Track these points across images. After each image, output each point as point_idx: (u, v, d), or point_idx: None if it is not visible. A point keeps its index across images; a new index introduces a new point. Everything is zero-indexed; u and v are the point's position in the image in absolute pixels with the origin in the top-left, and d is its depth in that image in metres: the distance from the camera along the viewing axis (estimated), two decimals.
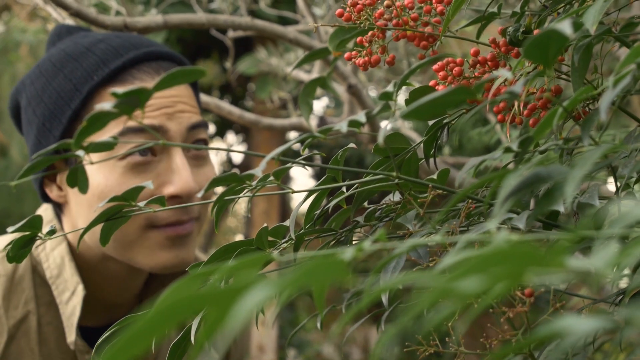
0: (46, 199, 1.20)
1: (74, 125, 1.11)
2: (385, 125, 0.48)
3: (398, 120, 1.99)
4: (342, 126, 0.54)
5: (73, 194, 1.15)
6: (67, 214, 1.20)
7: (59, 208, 1.22)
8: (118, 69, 1.11)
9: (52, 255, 1.17)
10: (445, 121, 0.81)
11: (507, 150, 0.59)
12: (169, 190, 1.10)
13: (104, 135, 1.08)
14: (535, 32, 0.76)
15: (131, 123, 1.07)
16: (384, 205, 0.81)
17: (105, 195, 1.11)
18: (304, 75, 1.88)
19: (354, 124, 0.54)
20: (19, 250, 0.65)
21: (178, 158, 1.11)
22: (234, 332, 0.24)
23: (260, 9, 2.33)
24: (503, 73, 0.50)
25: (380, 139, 0.47)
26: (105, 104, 0.50)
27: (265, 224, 0.75)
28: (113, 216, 0.64)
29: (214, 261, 0.78)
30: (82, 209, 1.13)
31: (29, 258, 1.17)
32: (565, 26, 0.45)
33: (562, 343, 0.43)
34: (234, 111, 1.65)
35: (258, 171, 0.60)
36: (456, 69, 0.79)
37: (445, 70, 0.80)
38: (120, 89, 1.10)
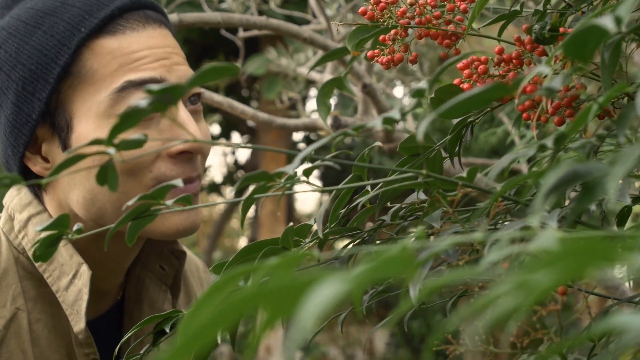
0: (25, 175, 1.06)
1: (63, 85, 1.00)
2: (424, 121, 0.47)
3: (408, 121, 1.98)
4: (377, 123, 0.53)
5: None
6: (52, 190, 1.07)
7: (38, 185, 1.08)
8: (107, 18, 1.01)
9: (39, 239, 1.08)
10: (469, 119, 0.81)
11: (542, 147, 0.58)
12: (177, 146, 1.01)
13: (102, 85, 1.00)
14: (562, 29, 0.76)
15: (132, 76, 0.99)
16: (408, 205, 0.81)
17: None
18: (316, 75, 1.88)
19: (388, 121, 0.54)
20: (46, 249, 0.65)
21: (183, 112, 1.02)
22: (305, 330, 0.24)
23: (271, 9, 2.33)
24: (542, 69, 0.49)
25: (420, 135, 0.47)
26: (140, 101, 0.50)
27: (285, 224, 0.75)
28: (141, 214, 0.64)
29: (238, 261, 0.78)
30: (78, 178, 1.01)
31: (10, 248, 1.05)
32: (607, 21, 0.45)
33: (619, 340, 0.43)
34: (248, 111, 1.64)
35: (289, 169, 0.59)
36: (481, 67, 0.79)
37: (470, 69, 0.80)
38: (112, 41, 1.02)
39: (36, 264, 1.03)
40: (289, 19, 3.49)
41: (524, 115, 0.79)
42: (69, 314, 1.02)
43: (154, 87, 0.49)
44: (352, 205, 0.76)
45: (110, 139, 0.53)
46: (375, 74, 2.27)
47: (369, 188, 0.80)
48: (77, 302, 1.02)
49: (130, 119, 0.53)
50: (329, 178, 6.96)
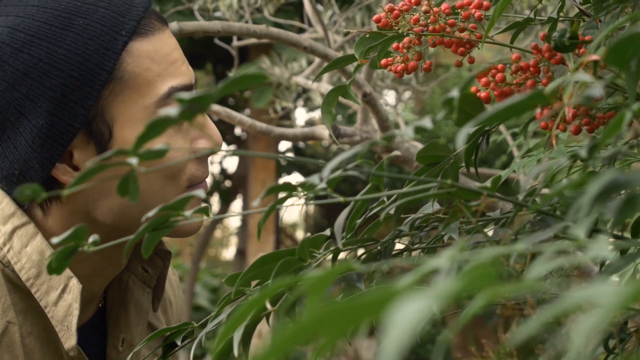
0: (45, 186, 0.98)
1: (105, 90, 0.95)
2: (465, 129, 0.46)
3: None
4: (408, 132, 0.52)
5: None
6: (71, 198, 0.99)
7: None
8: (140, 19, 0.98)
9: (25, 253, 0.99)
10: (486, 128, 0.80)
11: (574, 156, 0.57)
12: (204, 145, 1.01)
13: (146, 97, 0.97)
14: (582, 37, 0.75)
15: (174, 82, 0.98)
16: (424, 215, 0.80)
17: (153, 163, 0.94)
18: (313, 84, 1.87)
19: (419, 130, 0.53)
20: (62, 262, 0.64)
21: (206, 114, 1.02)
22: (394, 350, 0.22)
23: (264, 17, 2.32)
24: (582, 77, 0.49)
25: (460, 144, 0.46)
26: (170, 110, 0.48)
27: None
28: (161, 225, 0.63)
29: (253, 272, 0.76)
30: (108, 185, 0.96)
31: None
32: None
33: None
34: (246, 120, 1.63)
35: (315, 179, 0.58)
36: (499, 75, 0.78)
37: (487, 77, 0.79)
38: (145, 43, 1.00)
39: (22, 278, 0.98)
40: (279, 26, 3.48)
41: (542, 124, 0.78)
42: (59, 330, 0.98)
43: (184, 95, 0.48)
44: (369, 215, 0.75)
45: (136, 149, 0.52)
46: (370, 83, 2.26)
47: (385, 198, 0.79)
48: (67, 317, 0.98)
49: (157, 128, 0.51)
50: None
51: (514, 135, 2.03)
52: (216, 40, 2.25)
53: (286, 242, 8.73)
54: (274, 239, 4.98)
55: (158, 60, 0.98)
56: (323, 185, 0.61)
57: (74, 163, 0.98)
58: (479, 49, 0.87)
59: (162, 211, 0.60)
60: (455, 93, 0.54)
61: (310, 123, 5.24)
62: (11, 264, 0.99)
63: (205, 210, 0.65)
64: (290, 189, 0.59)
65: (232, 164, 7.22)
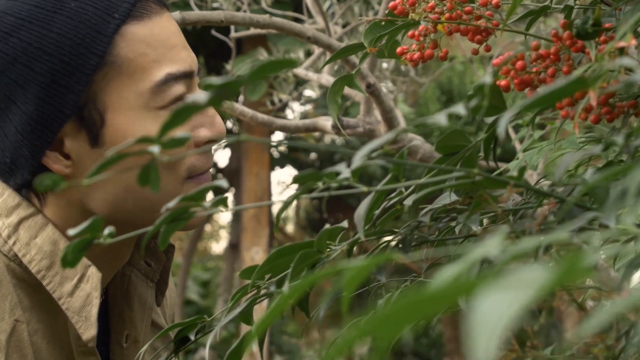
0: (36, 173, 0.95)
1: (96, 76, 0.92)
2: (505, 117, 0.44)
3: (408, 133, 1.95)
4: (441, 118, 0.51)
5: (92, 159, 0.94)
6: (65, 189, 0.93)
7: (27, 185, 0.98)
8: (135, 2, 0.94)
9: (35, 244, 0.96)
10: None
11: (609, 144, 0.56)
12: (205, 134, 0.96)
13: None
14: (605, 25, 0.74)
15: (172, 68, 0.94)
16: (441, 206, 0.78)
17: None
18: (313, 75, 1.85)
19: (452, 116, 0.51)
20: (78, 254, 0.62)
21: None
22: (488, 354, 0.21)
23: (262, 8, 2.30)
24: (627, 62, 0.47)
25: (502, 131, 0.44)
26: (200, 95, 0.47)
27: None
28: (179, 217, 0.61)
29: (269, 265, 0.75)
30: (110, 175, 0.93)
31: (0, 256, 0.96)
32: None
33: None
34: (247, 112, 1.61)
35: (343, 168, 0.57)
36: (519, 63, 0.76)
37: (507, 65, 0.77)
38: (140, 27, 0.95)
39: (33, 271, 0.94)
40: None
41: (563, 112, 0.76)
42: (76, 321, 0.94)
43: (214, 81, 0.46)
44: (389, 205, 0.74)
45: (160, 136, 0.50)
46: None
47: (403, 189, 0.77)
48: (85, 307, 0.94)
49: (182, 114, 0.50)
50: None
51: (515, 128, 2.02)
52: (214, 32, 2.23)
53: (277, 236, 8.71)
54: (268, 232, 4.97)
55: (154, 45, 0.94)
56: (347, 174, 0.59)
57: (65, 151, 0.94)
58: (495, 36, 0.86)
59: (181, 202, 0.59)
60: (488, 79, 0.52)
61: (304, 116, 5.22)
62: (18, 257, 0.95)
63: (224, 202, 0.64)
64: (316, 178, 0.57)
65: (223, 157, 7.20)
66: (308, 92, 4.25)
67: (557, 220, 0.68)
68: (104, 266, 1.00)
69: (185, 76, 0.96)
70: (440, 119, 0.51)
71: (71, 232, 0.59)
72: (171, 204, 0.58)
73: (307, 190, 0.60)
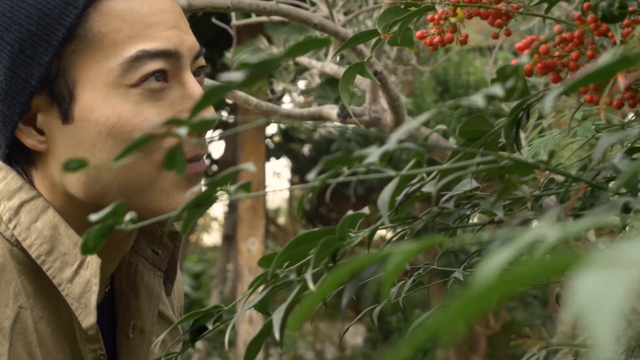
0: (14, 149, 0.96)
1: (66, 49, 0.90)
2: (551, 95, 0.43)
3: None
4: (479, 100, 0.49)
5: (64, 135, 0.92)
6: (44, 169, 0.96)
7: (27, 162, 0.97)
8: None
9: (35, 228, 0.94)
10: (527, 103, 0.77)
11: None
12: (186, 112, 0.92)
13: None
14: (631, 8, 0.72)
15: (147, 45, 0.90)
16: (462, 192, 0.77)
17: (117, 131, 0.89)
18: (315, 63, 1.84)
19: (490, 98, 0.50)
20: (99, 241, 0.60)
21: (193, 84, 0.93)
22: (608, 344, 0.20)
23: None
24: None
25: (547, 107, 0.43)
26: (233, 74, 0.45)
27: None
28: (203, 202, 0.59)
29: (289, 252, 0.73)
30: (80, 153, 0.90)
31: (2, 241, 0.94)
32: None
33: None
34: (251, 100, 1.60)
35: (371, 152, 0.55)
36: (543, 46, 0.75)
37: (530, 48, 0.76)
38: (120, 2, 0.91)
39: (33, 255, 0.93)
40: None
41: (587, 97, 0.75)
42: (75, 307, 0.93)
43: (251, 59, 0.45)
44: (412, 191, 0.72)
45: (190, 118, 0.49)
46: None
47: (424, 174, 0.76)
48: (84, 294, 0.93)
49: (213, 95, 0.48)
50: (303, 172, 6.93)
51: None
52: (214, 20, 2.21)
53: (270, 227, 8.69)
54: (264, 223, 4.95)
55: (131, 21, 0.91)
56: (375, 158, 0.58)
57: (39, 126, 0.93)
58: (516, 20, 0.84)
59: (207, 186, 0.57)
60: (524, 59, 0.51)
61: (300, 107, 5.20)
62: (19, 241, 0.94)
63: (247, 187, 0.62)
64: (346, 162, 0.56)
65: (217, 148, 7.18)
66: (302, 84, 4.23)
67: (581, 206, 0.67)
68: (103, 253, 0.98)
69: (166, 55, 0.92)
70: (477, 99, 0.50)
71: (93, 217, 0.57)
72: (196, 188, 0.56)
73: (335, 174, 0.58)
